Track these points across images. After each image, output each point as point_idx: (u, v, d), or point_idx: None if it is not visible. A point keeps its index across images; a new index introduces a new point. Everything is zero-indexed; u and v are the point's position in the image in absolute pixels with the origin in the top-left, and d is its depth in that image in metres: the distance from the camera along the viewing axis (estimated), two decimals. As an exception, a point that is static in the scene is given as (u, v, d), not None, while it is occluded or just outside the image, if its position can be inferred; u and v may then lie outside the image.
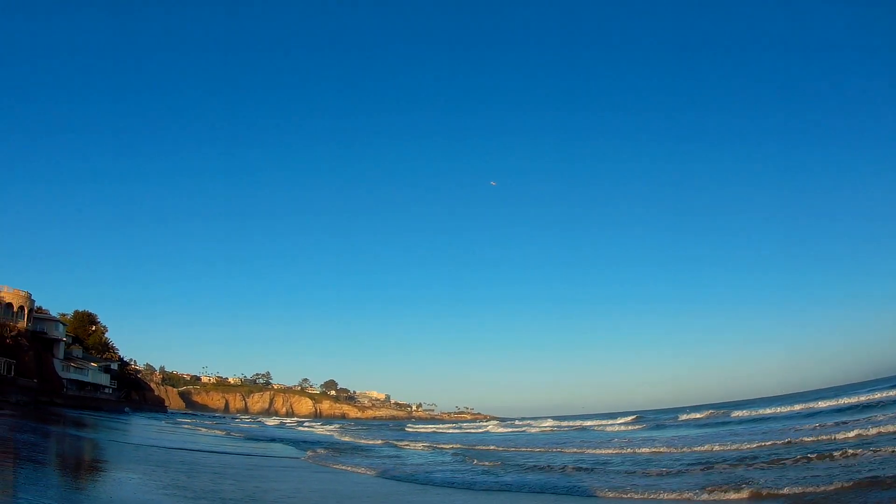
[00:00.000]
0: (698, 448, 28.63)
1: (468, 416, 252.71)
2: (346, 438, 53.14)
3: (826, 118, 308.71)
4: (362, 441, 49.49)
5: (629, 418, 68.95)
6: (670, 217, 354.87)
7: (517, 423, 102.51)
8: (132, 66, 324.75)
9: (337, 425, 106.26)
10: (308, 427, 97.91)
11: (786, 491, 15.37)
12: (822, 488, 15.12)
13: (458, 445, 41.01)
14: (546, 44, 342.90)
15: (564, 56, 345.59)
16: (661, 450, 29.42)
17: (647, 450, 29.75)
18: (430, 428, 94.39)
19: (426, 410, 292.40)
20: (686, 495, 16.30)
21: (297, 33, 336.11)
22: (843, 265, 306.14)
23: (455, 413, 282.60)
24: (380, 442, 47.86)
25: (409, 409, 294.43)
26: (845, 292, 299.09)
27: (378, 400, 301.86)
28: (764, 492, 15.58)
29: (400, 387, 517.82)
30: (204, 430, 64.09)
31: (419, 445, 42.54)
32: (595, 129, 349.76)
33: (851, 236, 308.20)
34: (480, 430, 74.33)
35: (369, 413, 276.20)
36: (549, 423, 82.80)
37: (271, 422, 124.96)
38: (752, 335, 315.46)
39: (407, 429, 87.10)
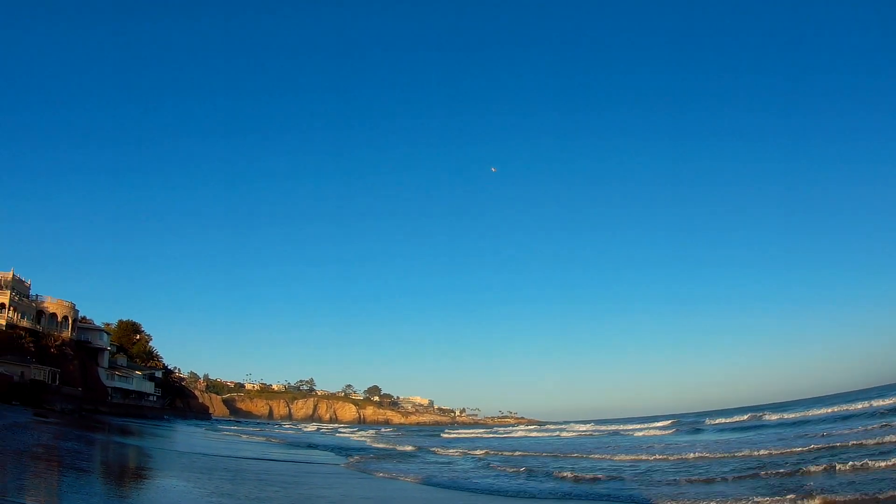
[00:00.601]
0: (741, 453, 27.63)
1: (511, 421, 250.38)
2: (381, 445, 52.67)
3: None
4: (397, 447, 49.24)
5: (666, 422, 68.11)
6: (704, 218, 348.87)
7: (549, 426, 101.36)
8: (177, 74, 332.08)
9: (372, 431, 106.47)
10: (344, 433, 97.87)
11: (855, 497, 14.48)
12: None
13: (489, 451, 40.30)
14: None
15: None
16: (706, 455, 28.61)
17: (693, 455, 28.96)
18: (465, 433, 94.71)
19: (469, 415, 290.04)
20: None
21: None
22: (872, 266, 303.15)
23: (498, 417, 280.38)
24: (410, 448, 47.46)
25: (452, 414, 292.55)
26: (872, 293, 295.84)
27: (421, 405, 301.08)
28: (837, 499, 14.74)
29: (443, 392, 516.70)
30: (245, 436, 65.28)
31: (452, 451, 41.88)
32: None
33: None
34: (516, 435, 73.05)
35: (413, 419, 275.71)
36: (587, 426, 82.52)
37: (309, 428, 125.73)
38: (782, 337, 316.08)
39: (443, 435, 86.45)
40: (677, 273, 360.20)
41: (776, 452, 26.01)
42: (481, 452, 38.78)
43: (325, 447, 48.38)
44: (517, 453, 38.35)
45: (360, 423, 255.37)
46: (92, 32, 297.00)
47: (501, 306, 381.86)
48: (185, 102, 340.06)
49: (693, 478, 20.47)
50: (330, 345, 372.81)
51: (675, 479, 20.63)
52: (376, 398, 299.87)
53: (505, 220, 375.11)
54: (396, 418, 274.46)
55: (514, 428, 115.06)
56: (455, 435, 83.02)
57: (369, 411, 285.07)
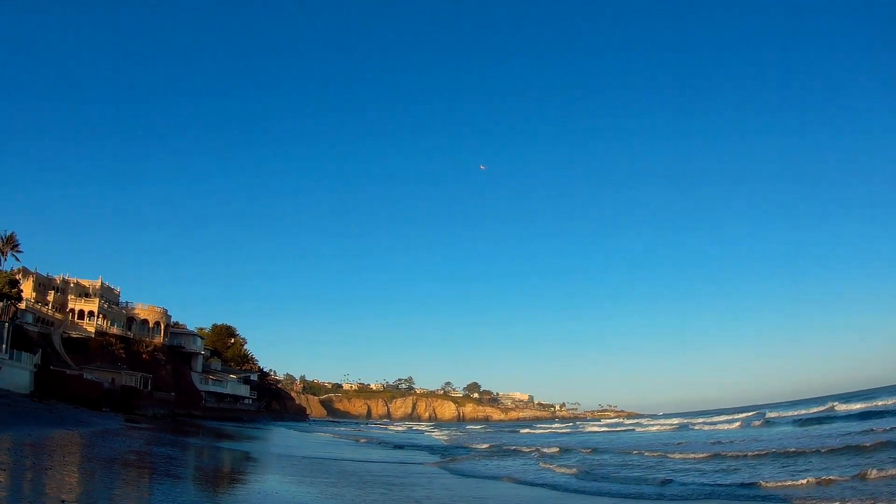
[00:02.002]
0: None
1: (611, 414, 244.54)
2: (467, 444, 50.16)
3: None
4: (479, 446, 47.07)
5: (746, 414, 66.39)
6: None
7: (643, 420, 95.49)
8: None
9: (452, 430, 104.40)
10: (428, 432, 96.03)
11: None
12: None
13: (560, 449, 37.60)
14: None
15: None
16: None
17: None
18: (545, 428, 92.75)
19: (570, 410, 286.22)
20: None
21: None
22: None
23: (598, 411, 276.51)
24: (485, 446, 46.05)
25: (552, 409, 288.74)
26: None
27: (521, 401, 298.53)
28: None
29: (544, 387, 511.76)
30: (338, 437, 65.08)
31: (526, 449, 39.59)
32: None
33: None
34: (586, 430, 69.90)
35: (512, 415, 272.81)
36: (675, 420, 79.39)
37: (397, 427, 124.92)
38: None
39: (521, 431, 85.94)
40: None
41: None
42: (554, 450, 36.74)
43: (416, 447, 47.92)
44: (586, 450, 36.12)
45: (460, 420, 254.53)
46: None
47: (604, 301, 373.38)
48: (290, 101, 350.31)
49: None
50: (429, 343, 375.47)
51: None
52: (476, 395, 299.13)
53: (617, 214, 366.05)
54: (496, 415, 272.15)
55: (593, 423, 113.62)
56: (536, 431, 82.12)
57: (469, 409, 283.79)
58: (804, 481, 17.96)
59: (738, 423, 55.69)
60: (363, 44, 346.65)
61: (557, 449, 37.07)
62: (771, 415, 60.53)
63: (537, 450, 37.22)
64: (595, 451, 35.15)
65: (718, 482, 19.55)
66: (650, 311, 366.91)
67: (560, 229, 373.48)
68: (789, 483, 18.10)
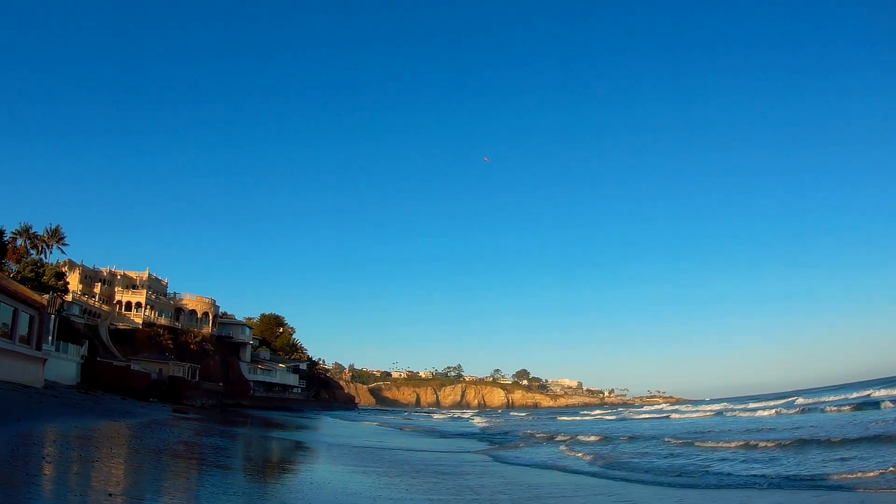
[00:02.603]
0: None
1: (659, 400, 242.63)
2: (521, 433, 47.89)
3: None
4: (520, 433, 46.57)
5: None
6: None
7: (688, 405, 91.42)
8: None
9: (493, 417, 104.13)
10: (472, 419, 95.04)
11: None
12: None
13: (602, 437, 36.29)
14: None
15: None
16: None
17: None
18: (586, 415, 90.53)
19: (618, 395, 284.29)
20: None
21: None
22: None
23: (647, 397, 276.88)
24: (528, 433, 44.93)
25: (601, 395, 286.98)
26: None
27: (570, 387, 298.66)
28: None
29: (593, 373, 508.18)
30: (388, 426, 64.08)
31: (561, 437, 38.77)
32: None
33: None
34: (660, 418, 66.10)
35: (561, 401, 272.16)
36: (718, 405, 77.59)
37: (440, 416, 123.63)
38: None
39: (559, 418, 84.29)
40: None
41: None
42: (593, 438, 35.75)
43: (462, 435, 47.79)
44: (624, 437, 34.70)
45: (509, 407, 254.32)
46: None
47: (653, 287, 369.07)
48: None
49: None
50: (478, 330, 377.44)
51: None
52: (525, 382, 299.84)
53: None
54: (545, 401, 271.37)
55: (634, 409, 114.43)
56: (576, 419, 79.72)
57: (518, 395, 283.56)
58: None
59: (773, 411, 53.14)
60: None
61: (597, 437, 35.89)
62: (806, 401, 59.33)
63: (573, 437, 36.56)
64: (633, 438, 33.63)
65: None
66: (700, 296, 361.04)
67: (606, 218, 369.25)
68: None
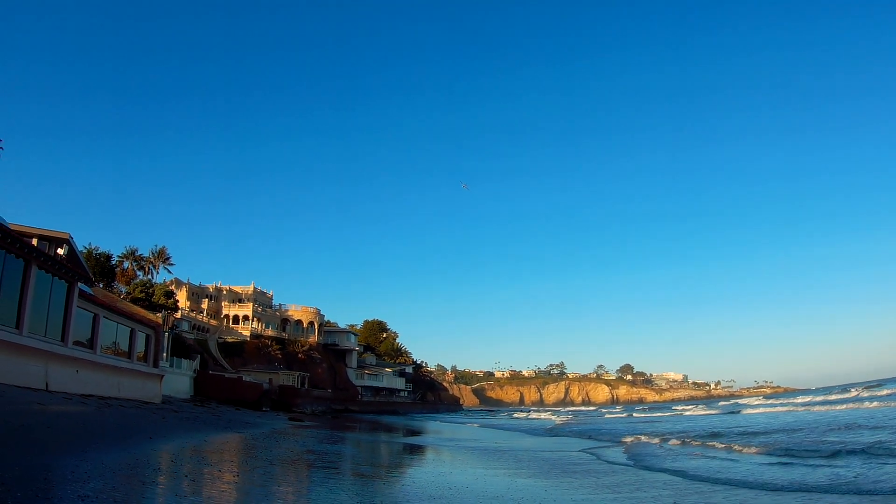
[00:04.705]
0: None
1: (767, 391, 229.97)
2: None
3: None
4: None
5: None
6: None
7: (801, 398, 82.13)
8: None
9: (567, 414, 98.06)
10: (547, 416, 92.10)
11: None
12: None
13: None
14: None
15: None
16: None
17: None
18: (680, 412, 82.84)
19: (725, 388, 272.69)
20: None
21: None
22: None
23: (754, 388, 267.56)
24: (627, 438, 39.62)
25: (707, 387, 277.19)
26: None
27: (675, 381, 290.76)
28: None
29: (699, 366, 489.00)
30: (483, 426, 62.44)
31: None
32: None
33: None
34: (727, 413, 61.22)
35: (667, 395, 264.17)
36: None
37: (519, 415, 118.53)
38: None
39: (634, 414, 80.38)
40: None
41: None
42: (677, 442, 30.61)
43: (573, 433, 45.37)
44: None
45: (614, 402, 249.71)
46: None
47: (757, 276, 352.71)
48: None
49: None
50: (580, 328, 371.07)
51: None
52: (629, 377, 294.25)
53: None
54: (650, 396, 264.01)
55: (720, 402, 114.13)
56: (666, 414, 75.16)
57: (622, 391, 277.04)
58: None
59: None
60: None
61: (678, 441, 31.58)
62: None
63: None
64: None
65: None
66: (803, 282, 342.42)
67: (709, 209, 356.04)
68: None
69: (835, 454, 17.97)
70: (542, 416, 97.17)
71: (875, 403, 44.24)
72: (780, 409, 56.93)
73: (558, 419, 78.37)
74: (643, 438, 30.14)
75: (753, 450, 21.14)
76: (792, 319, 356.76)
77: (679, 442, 26.62)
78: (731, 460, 19.36)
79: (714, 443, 24.94)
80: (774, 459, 18.52)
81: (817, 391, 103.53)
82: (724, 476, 15.75)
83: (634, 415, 77.81)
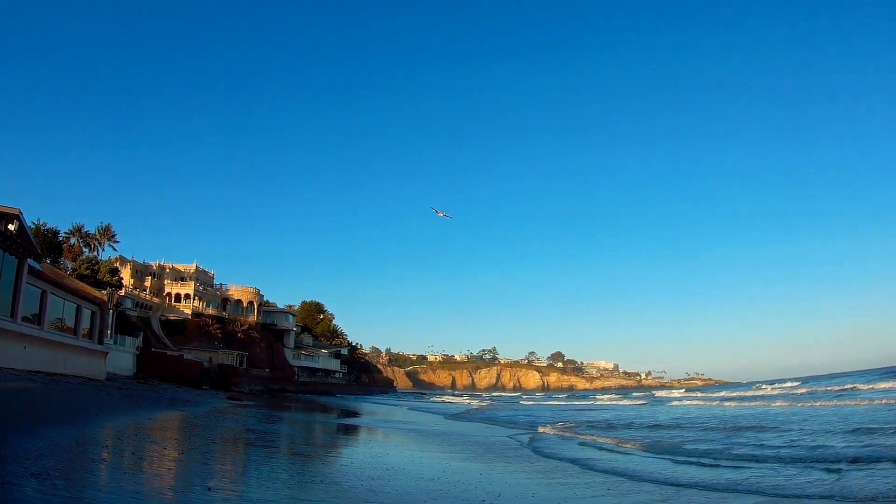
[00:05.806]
0: None
1: (698, 383, 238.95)
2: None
3: None
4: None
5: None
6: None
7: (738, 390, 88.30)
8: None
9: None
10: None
11: None
12: None
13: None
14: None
15: None
16: None
17: None
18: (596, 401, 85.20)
19: (656, 378, 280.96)
20: None
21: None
22: None
23: (685, 380, 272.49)
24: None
25: (637, 377, 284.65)
26: None
27: (606, 370, 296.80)
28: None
29: (629, 355, 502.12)
30: (412, 410, 63.77)
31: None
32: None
33: None
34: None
35: (597, 384, 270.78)
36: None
37: (446, 398, 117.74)
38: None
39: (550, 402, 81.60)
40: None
41: None
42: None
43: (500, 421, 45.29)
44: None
45: (545, 389, 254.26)
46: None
47: (686, 265, 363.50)
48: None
49: None
50: (512, 313, 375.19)
51: None
52: (560, 364, 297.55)
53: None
54: (581, 384, 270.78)
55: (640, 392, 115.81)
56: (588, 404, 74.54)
57: (553, 378, 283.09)
58: None
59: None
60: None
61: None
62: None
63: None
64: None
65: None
66: (745, 277, 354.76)
67: (646, 199, 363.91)
68: None
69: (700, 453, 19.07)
70: (464, 400, 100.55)
71: (779, 403, 45.70)
72: (697, 402, 59.62)
73: (476, 403, 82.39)
74: (548, 427, 33.37)
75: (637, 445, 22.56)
76: (724, 313, 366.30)
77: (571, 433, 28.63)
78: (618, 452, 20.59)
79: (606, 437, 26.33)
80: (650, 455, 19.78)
81: (747, 385, 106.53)
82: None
83: (551, 402, 79.70)
